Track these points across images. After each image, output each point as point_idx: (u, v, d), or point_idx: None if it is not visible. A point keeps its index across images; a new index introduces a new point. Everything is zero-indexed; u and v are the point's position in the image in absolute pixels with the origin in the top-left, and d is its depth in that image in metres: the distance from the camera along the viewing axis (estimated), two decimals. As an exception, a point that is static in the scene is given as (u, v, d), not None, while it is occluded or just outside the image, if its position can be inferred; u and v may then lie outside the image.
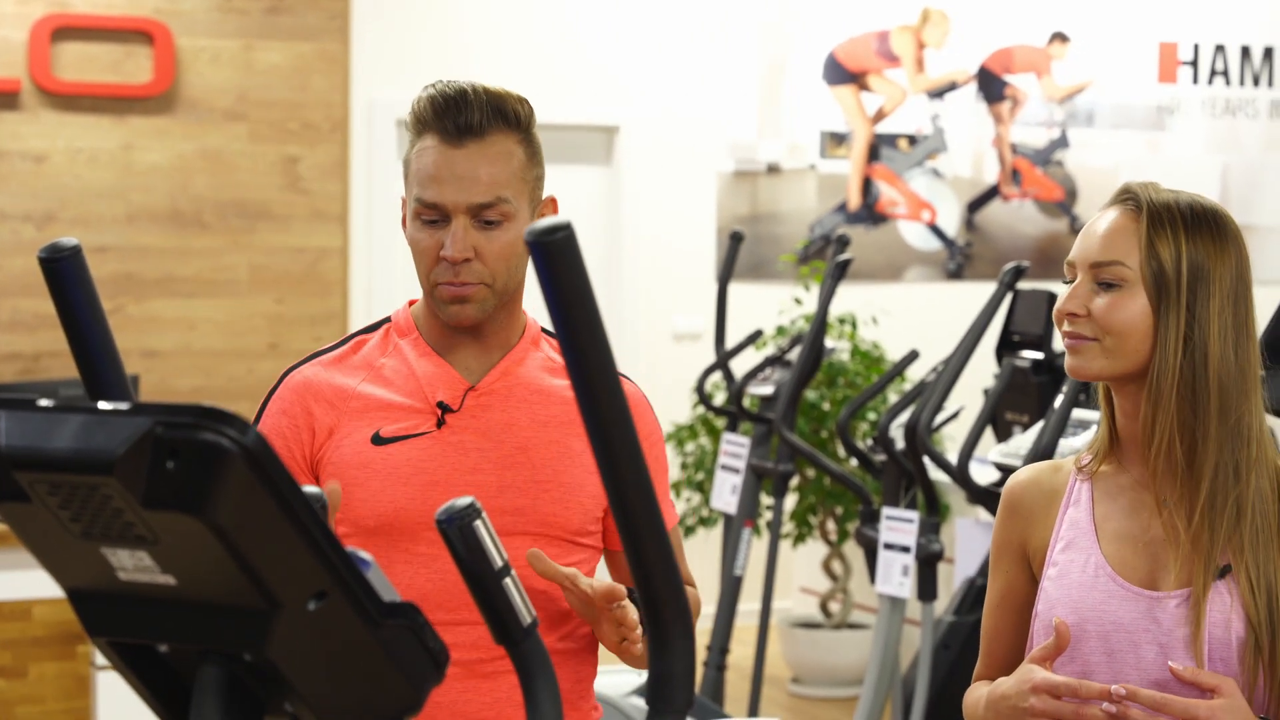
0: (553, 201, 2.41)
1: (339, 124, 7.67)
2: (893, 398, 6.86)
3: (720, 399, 6.99)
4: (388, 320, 2.46)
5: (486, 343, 2.40)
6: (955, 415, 5.51)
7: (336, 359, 2.42)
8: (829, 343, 6.81)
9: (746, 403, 6.30)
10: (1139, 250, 2.14)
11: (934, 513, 4.87)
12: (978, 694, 2.23)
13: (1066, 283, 2.21)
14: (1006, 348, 5.87)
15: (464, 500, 1.53)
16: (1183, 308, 2.12)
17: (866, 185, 8.77)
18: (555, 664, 2.17)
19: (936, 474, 5.27)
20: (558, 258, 1.37)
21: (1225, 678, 2.06)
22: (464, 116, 2.29)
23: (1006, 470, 4.63)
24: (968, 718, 2.25)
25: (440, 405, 2.36)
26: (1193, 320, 2.12)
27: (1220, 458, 2.13)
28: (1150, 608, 2.13)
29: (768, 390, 6.03)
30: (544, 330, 2.48)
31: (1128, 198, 2.18)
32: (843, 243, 5.88)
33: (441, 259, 2.31)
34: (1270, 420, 3.13)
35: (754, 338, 6.51)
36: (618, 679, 4.47)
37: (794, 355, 6.08)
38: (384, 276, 7.75)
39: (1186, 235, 2.14)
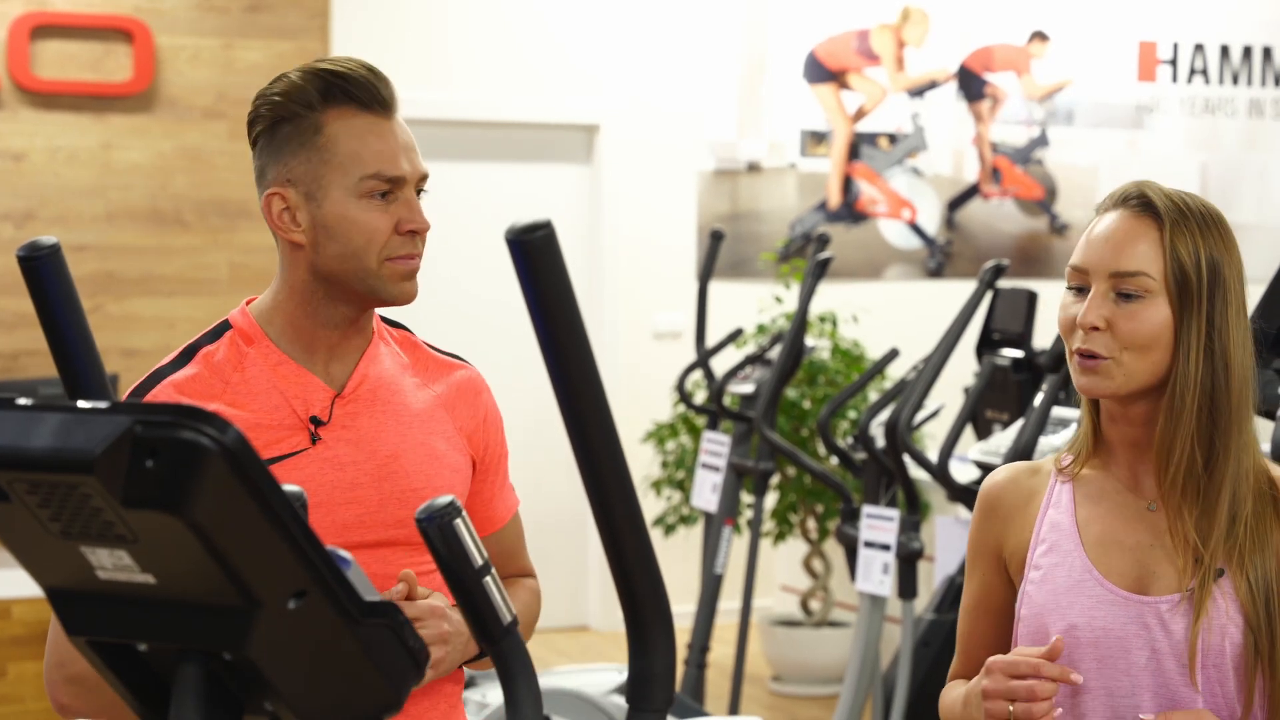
0: None
1: (319, 122, 7.66)
2: (873, 396, 6.87)
3: (701, 397, 7.00)
4: (227, 325, 2.28)
5: (349, 342, 2.26)
6: (935, 413, 5.52)
7: (188, 381, 2.22)
8: (809, 341, 6.81)
9: (727, 401, 6.30)
10: (1163, 259, 2.07)
11: (914, 511, 4.88)
12: (955, 693, 2.20)
13: (1073, 289, 2.13)
14: (986, 346, 5.88)
15: (444, 499, 1.53)
16: (1204, 315, 2.07)
17: (847, 184, 8.77)
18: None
19: (917, 472, 5.27)
20: (538, 256, 1.37)
21: (1202, 712, 2.04)
22: (384, 89, 2.21)
23: (986, 468, 4.64)
24: (944, 717, 2.23)
25: (313, 420, 2.22)
26: (1212, 328, 2.07)
27: (1240, 467, 2.09)
28: (1140, 613, 2.09)
29: (748, 388, 6.04)
30: (384, 320, 2.36)
31: (1138, 200, 2.11)
32: (823, 241, 5.89)
33: (406, 232, 2.19)
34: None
35: (734, 336, 6.51)
36: (598, 677, 4.47)
37: (774, 353, 6.09)
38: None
39: (1202, 238, 2.09)
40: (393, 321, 2.39)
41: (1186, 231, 2.08)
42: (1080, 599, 2.12)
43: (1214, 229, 2.10)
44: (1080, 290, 2.12)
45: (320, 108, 2.19)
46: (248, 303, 2.31)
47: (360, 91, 2.19)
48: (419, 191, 2.23)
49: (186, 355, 2.26)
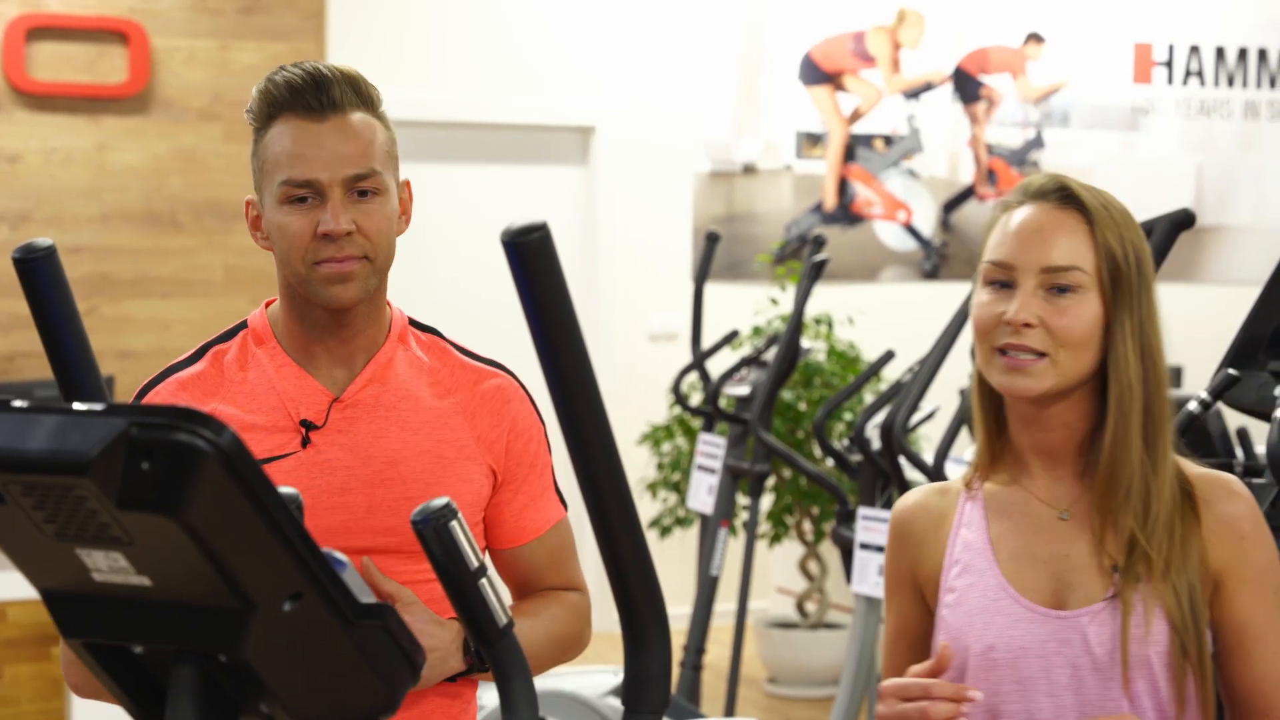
0: (409, 185, 2.29)
1: (315, 124, 7.65)
2: (869, 398, 6.87)
3: (696, 399, 6.99)
4: (244, 325, 2.31)
5: (351, 345, 2.26)
6: (931, 415, 5.52)
7: (193, 378, 2.26)
8: (805, 343, 6.81)
9: (723, 403, 6.30)
10: (1094, 252, 1.99)
11: (910, 512, 4.87)
12: None
13: (994, 285, 2.03)
14: (982, 348, 5.87)
15: (439, 501, 1.53)
16: (1137, 310, 2.00)
17: (842, 185, 8.77)
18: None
19: (912, 474, 5.27)
20: (533, 258, 1.37)
21: (1126, 716, 1.95)
22: (325, 93, 2.18)
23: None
24: None
25: (304, 423, 2.22)
26: (1142, 324, 2.00)
27: (1170, 467, 2.02)
28: (1059, 628, 2.01)
29: (744, 390, 6.03)
30: (412, 323, 2.35)
31: (1059, 192, 2.02)
32: (819, 243, 5.89)
33: (321, 235, 2.17)
34: (1247, 420, 3.13)
35: (730, 338, 6.51)
36: (594, 679, 4.47)
37: (770, 355, 6.09)
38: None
39: (1126, 230, 2.02)
40: (424, 326, 2.38)
41: (1113, 223, 2.01)
42: (996, 619, 2.03)
43: (1132, 222, 2.04)
44: (1003, 286, 2.03)
45: (266, 117, 2.22)
46: (267, 304, 2.33)
47: (285, 98, 2.20)
48: (363, 194, 2.20)
49: (200, 353, 2.30)
